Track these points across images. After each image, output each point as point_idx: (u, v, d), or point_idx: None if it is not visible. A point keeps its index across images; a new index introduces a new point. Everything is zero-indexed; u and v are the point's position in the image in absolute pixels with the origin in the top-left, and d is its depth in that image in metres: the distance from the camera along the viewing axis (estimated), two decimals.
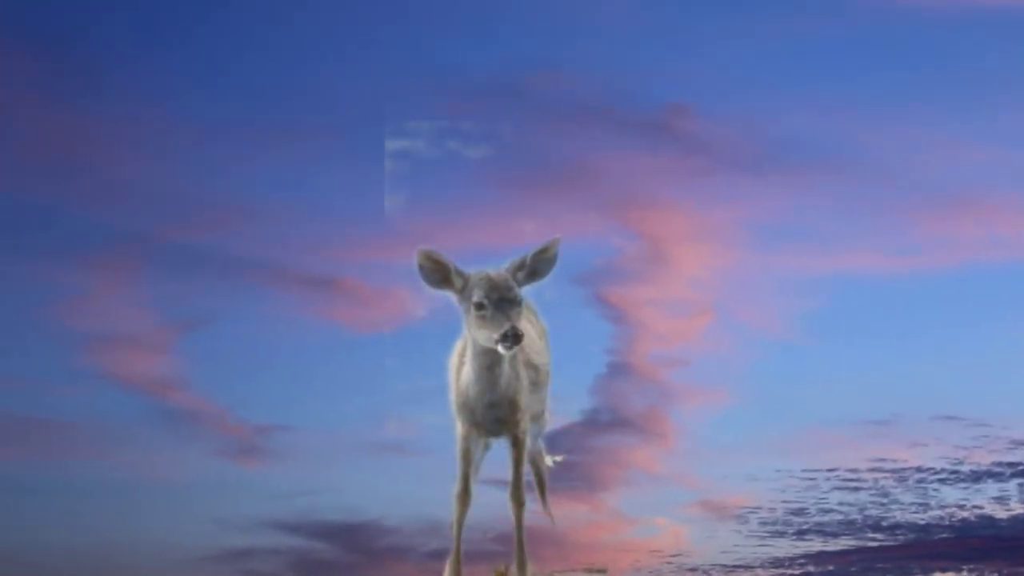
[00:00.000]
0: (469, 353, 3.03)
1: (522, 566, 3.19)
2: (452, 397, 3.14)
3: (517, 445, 3.14)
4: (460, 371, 3.11)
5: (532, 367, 3.20)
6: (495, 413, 3.07)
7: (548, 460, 3.59)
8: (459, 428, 3.14)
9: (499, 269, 3.01)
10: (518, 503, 3.20)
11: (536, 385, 3.21)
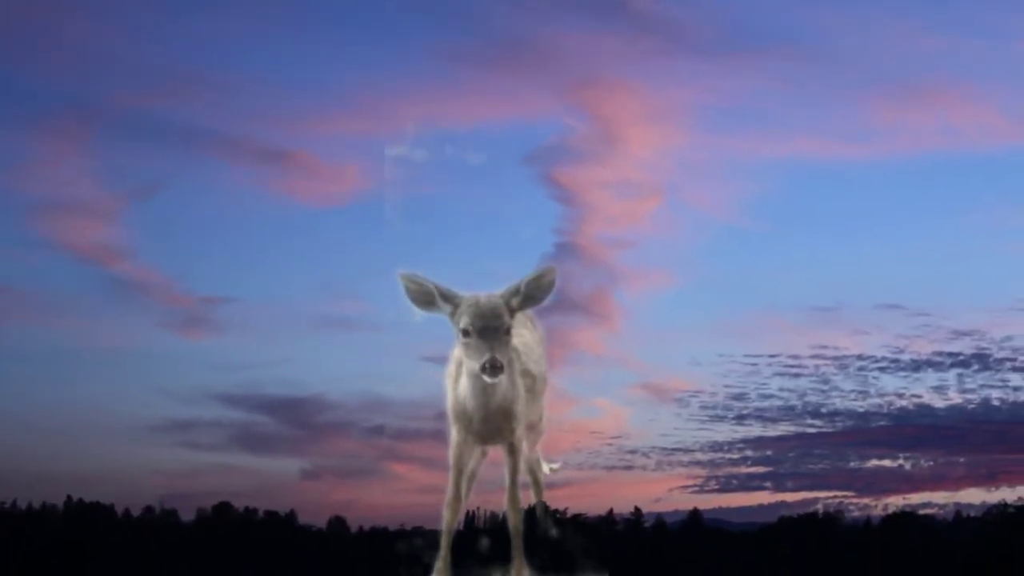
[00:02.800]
0: (466, 367, 3.09)
1: (520, 571, 3.26)
2: (449, 405, 3.22)
3: (513, 453, 3.22)
4: (457, 380, 3.18)
5: (529, 375, 3.27)
6: (492, 422, 3.14)
7: (545, 467, 3.66)
8: (454, 435, 3.22)
9: (492, 295, 3.05)
10: (515, 510, 3.28)
11: (533, 393, 3.28)
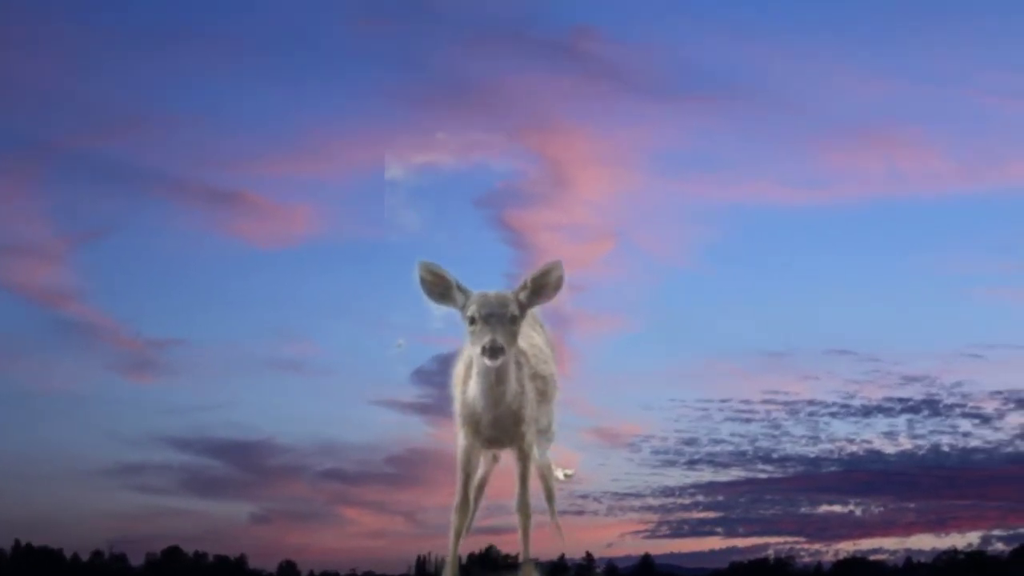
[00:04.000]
0: (475, 367, 3.08)
1: (528, 575, 3.23)
2: (457, 408, 3.20)
3: (523, 459, 3.20)
4: (466, 383, 3.16)
5: (540, 378, 3.26)
6: (500, 424, 3.12)
7: (559, 473, 3.62)
8: (461, 439, 3.20)
9: (502, 289, 3.06)
10: (524, 515, 3.26)
11: (543, 396, 3.26)
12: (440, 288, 3.16)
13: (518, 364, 3.18)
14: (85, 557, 33.72)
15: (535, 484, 3.49)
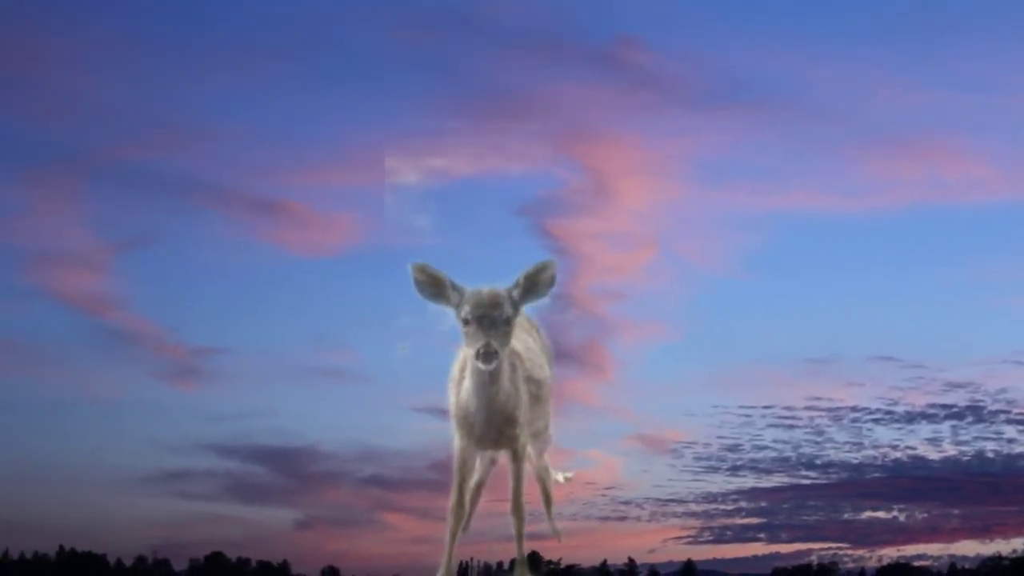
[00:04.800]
0: (468, 368, 3.09)
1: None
2: (452, 410, 3.20)
3: (516, 460, 3.21)
4: (460, 384, 3.17)
5: (534, 381, 3.26)
6: (493, 425, 3.13)
7: (559, 476, 3.62)
8: (457, 441, 3.21)
9: (496, 287, 3.07)
10: (518, 517, 3.26)
11: (537, 399, 3.27)
12: (434, 288, 3.17)
13: (512, 366, 3.19)
14: (129, 562, 34.09)
15: (533, 487, 3.49)
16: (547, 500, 3.73)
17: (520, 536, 3.38)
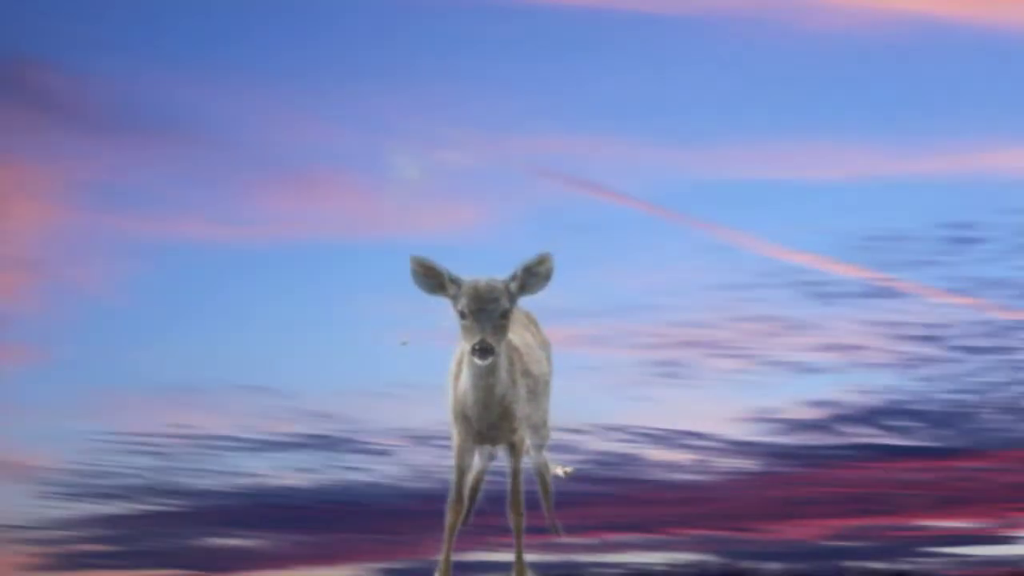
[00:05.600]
0: (466, 361, 3.06)
1: (521, 574, 3.19)
2: (450, 404, 3.17)
3: (515, 454, 3.15)
4: (458, 378, 3.14)
5: (531, 376, 3.20)
6: (490, 419, 3.09)
7: (559, 470, 3.56)
8: (455, 436, 3.16)
9: (493, 278, 3.03)
10: (517, 513, 3.20)
11: (534, 394, 3.22)
12: (434, 281, 3.15)
13: (510, 360, 3.17)
14: None
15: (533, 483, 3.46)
16: (545, 493, 3.71)
17: (519, 533, 3.34)
